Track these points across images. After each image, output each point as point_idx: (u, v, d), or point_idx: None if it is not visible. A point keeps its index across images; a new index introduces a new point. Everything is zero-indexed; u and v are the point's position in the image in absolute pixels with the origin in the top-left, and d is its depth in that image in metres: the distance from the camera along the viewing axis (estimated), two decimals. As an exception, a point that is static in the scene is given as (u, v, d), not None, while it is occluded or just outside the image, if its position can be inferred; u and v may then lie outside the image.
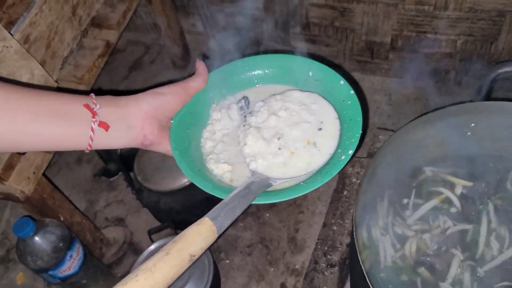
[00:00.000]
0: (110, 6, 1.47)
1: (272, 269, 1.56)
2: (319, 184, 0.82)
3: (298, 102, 0.93)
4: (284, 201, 1.71)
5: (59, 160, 1.97)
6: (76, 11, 1.31)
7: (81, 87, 1.37)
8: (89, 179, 1.89)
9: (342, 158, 0.84)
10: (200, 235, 0.67)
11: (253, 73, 1.03)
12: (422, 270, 1.08)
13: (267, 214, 1.68)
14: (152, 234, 1.56)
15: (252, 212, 1.69)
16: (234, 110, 0.99)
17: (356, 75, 1.96)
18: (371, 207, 1.20)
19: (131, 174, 1.63)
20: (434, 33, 1.68)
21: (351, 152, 0.85)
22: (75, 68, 1.35)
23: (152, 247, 1.51)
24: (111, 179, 1.85)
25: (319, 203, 1.63)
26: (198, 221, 0.69)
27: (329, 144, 0.88)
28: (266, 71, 1.03)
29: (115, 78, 2.19)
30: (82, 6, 1.34)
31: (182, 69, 2.12)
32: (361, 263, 0.90)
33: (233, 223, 1.76)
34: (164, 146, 0.89)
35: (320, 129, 0.90)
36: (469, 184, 1.20)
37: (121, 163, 1.61)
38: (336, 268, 1.37)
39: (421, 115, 1.14)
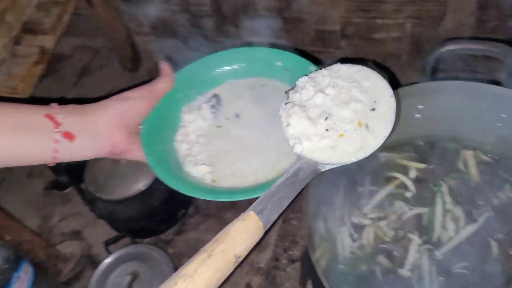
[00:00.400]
0: (43, 10, 1.40)
1: (236, 270, 1.51)
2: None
3: (348, 78, 0.82)
4: (245, 199, 1.69)
5: (8, 176, 1.88)
6: (3, 17, 1.24)
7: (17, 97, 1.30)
8: (41, 194, 1.81)
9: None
10: (246, 232, 0.59)
11: (220, 69, 1.01)
12: (380, 258, 1.07)
13: (229, 214, 1.64)
14: (108, 245, 1.50)
15: (213, 214, 1.65)
16: (205, 110, 0.97)
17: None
18: (326, 198, 1.17)
19: (83, 185, 1.56)
20: (382, 18, 1.67)
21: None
22: (8, 78, 1.28)
23: (109, 259, 1.45)
24: (64, 191, 1.77)
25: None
26: (242, 216, 0.61)
27: (384, 126, 0.79)
28: (233, 66, 1.01)
29: (64, 85, 2.10)
30: (11, 12, 1.26)
31: (133, 72, 2.05)
32: (314, 263, 0.87)
33: (196, 226, 1.71)
34: (136, 153, 0.86)
35: (373, 109, 0.80)
36: (422, 166, 1.19)
37: (70, 174, 1.53)
38: (298, 263, 1.34)
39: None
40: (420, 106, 1.14)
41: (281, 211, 0.64)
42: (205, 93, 1.01)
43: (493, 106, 1.08)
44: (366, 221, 1.12)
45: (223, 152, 0.92)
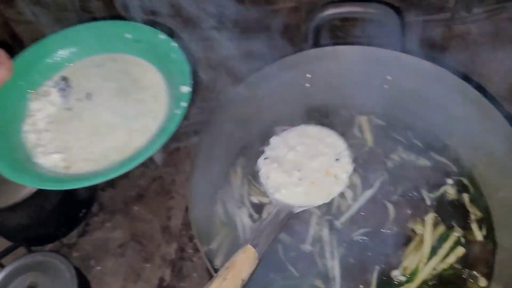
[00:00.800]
0: None
1: (148, 265, 1.44)
2: (159, 145, 0.81)
3: (313, 137, 1.03)
4: (152, 190, 1.60)
5: None
6: None
7: None
8: None
9: (176, 112, 0.83)
10: (247, 262, 0.78)
11: (65, 50, 0.95)
12: (282, 236, 1.03)
13: (136, 208, 1.55)
14: (1, 258, 1.36)
15: (119, 209, 1.55)
16: (54, 94, 0.91)
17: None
18: (224, 181, 1.12)
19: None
20: (277, -13, 1.62)
21: (184, 104, 0.84)
22: None
23: (2, 274, 1.31)
24: None
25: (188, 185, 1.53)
26: (244, 249, 0.80)
27: (345, 172, 0.99)
28: (80, 44, 0.95)
29: None
30: None
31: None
32: (203, 255, 0.83)
33: (101, 225, 1.59)
34: None
35: (338, 159, 0.99)
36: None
37: None
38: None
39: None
40: (308, 76, 1.10)
41: (269, 243, 0.84)
42: (52, 77, 0.94)
43: (378, 69, 1.08)
44: (266, 199, 1.09)
45: (75, 137, 0.87)
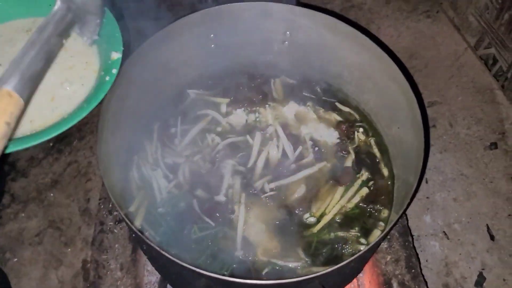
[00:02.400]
0: None
1: (69, 249, 1.39)
2: (86, 112, 0.77)
3: None
4: (67, 174, 1.55)
5: None
6: None
7: None
8: None
9: (107, 79, 0.81)
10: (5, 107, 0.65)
11: None
12: (199, 192, 1.05)
13: (52, 194, 1.49)
14: None
15: (33, 197, 1.48)
16: None
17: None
18: (139, 146, 1.12)
19: None
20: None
21: (115, 71, 0.82)
22: None
23: None
24: None
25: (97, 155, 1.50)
26: None
27: None
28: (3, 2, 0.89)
29: None
30: None
31: None
32: (123, 217, 0.81)
33: (15, 216, 1.50)
34: None
35: None
36: (226, 99, 1.20)
37: None
38: (124, 221, 1.27)
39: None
40: (212, 36, 1.13)
41: (38, 80, 0.72)
42: None
43: (277, 25, 1.12)
44: (180, 159, 1.10)
45: None
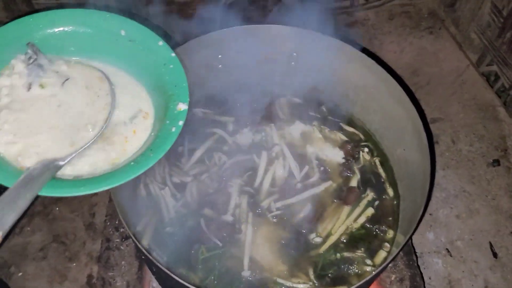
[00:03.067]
0: None
1: (74, 264, 1.39)
2: (153, 162, 0.74)
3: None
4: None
5: None
6: None
7: None
8: None
9: (173, 130, 0.77)
10: None
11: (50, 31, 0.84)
12: (206, 211, 1.06)
13: (57, 208, 1.49)
14: None
15: (38, 211, 1.48)
16: (19, 67, 0.80)
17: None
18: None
19: None
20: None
21: (181, 123, 0.78)
22: None
23: None
24: None
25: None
26: None
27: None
28: (67, 29, 0.85)
29: None
30: None
31: None
32: (131, 235, 0.82)
33: (20, 230, 1.51)
34: None
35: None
36: (233, 118, 1.21)
37: None
38: (131, 239, 1.28)
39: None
40: (220, 56, 1.14)
41: (19, 212, 0.65)
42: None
43: (284, 46, 1.14)
44: (187, 178, 1.11)
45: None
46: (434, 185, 1.53)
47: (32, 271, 1.38)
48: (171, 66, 0.84)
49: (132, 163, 0.75)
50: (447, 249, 1.42)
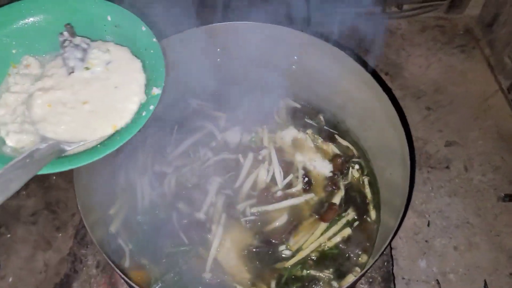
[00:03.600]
0: None
1: (60, 234, 1.42)
2: (119, 145, 0.73)
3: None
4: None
5: None
6: None
7: None
8: None
9: (143, 114, 0.76)
10: None
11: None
12: (181, 204, 1.05)
13: (54, 177, 1.52)
14: None
15: (35, 178, 1.51)
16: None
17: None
18: (131, 148, 1.12)
19: None
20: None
21: (152, 107, 0.77)
22: None
23: None
24: None
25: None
26: None
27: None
28: (51, 16, 0.85)
29: None
30: None
31: None
32: (86, 225, 0.82)
33: (15, 193, 1.56)
34: None
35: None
36: (226, 114, 1.19)
37: None
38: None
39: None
40: (218, 50, 1.12)
41: (9, 194, 0.62)
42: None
43: (286, 49, 1.09)
44: (169, 169, 1.10)
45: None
46: (430, 205, 1.45)
47: (20, 234, 1.42)
48: (152, 51, 0.83)
49: (98, 145, 0.75)
50: (437, 280, 1.35)
